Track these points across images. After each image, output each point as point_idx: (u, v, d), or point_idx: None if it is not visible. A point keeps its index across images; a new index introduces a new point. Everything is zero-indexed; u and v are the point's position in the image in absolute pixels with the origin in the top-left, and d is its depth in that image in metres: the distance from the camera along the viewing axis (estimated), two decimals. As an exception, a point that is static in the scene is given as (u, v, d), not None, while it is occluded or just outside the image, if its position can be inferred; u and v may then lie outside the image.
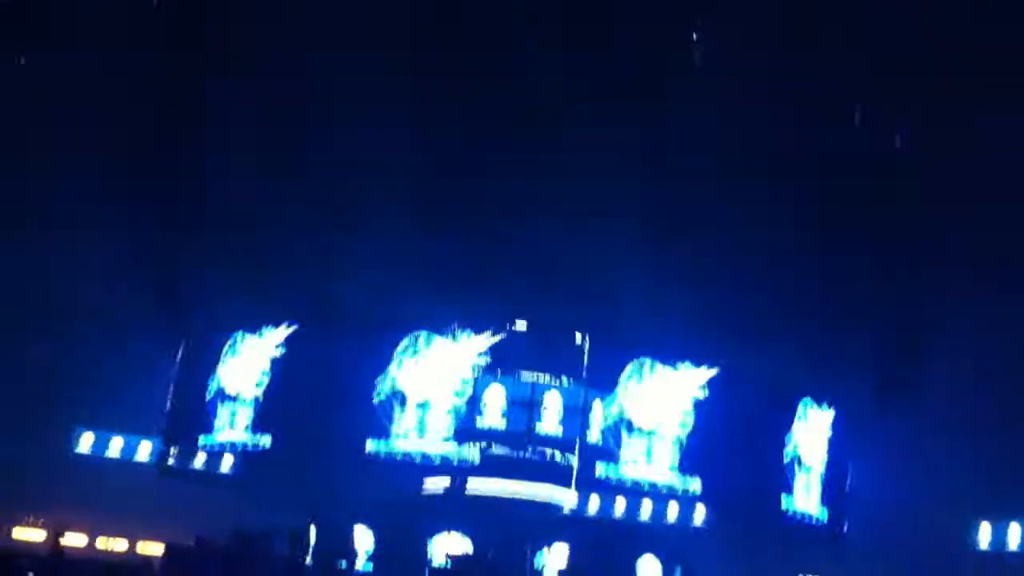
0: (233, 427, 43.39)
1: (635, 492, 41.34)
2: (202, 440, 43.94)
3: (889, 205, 41.23)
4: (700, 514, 41.37)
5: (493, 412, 40.35)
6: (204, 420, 43.99)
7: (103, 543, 45.73)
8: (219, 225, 41.65)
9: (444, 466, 40.53)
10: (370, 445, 40.55)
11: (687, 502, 41.54)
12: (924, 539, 43.32)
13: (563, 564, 36.08)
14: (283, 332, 43.06)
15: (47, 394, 44.01)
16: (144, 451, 46.78)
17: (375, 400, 40.90)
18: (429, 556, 36.51)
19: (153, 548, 42.34)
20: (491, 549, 35.21)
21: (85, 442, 46.24)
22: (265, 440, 42.46)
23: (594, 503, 41.52)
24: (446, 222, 40.11)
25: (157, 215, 41.60)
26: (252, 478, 42.87)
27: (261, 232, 41.68)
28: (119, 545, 45.94)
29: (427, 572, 35.17)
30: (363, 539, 39.07)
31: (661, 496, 41.37)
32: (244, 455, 42.97)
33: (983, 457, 42.47)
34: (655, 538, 41.58)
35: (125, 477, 44.62)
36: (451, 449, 40.26)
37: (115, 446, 46.67)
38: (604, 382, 41.27)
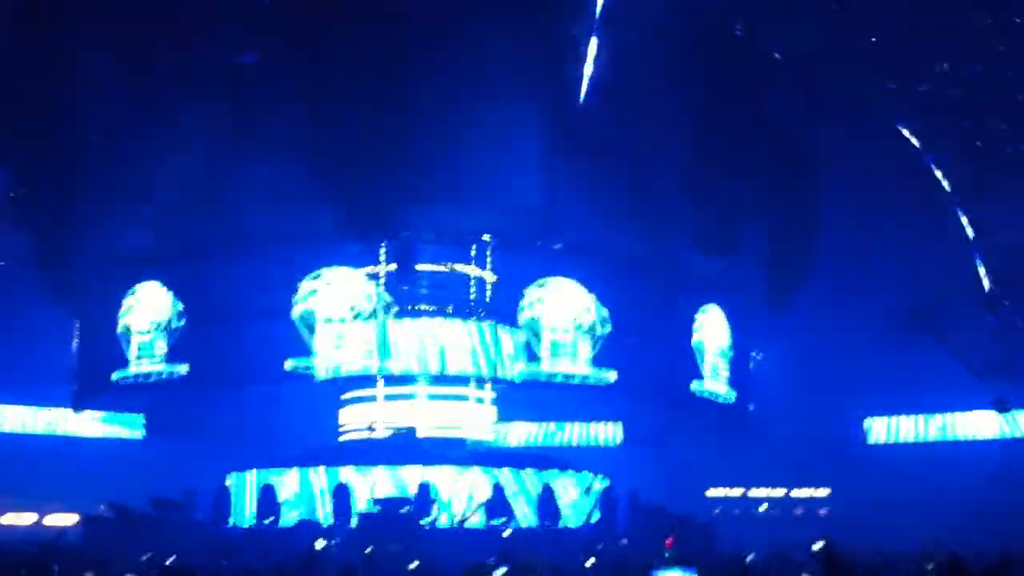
0: (148, 358, 42.89)
1: (557, 387, 42.43)
2: (116, 375, 43.32)
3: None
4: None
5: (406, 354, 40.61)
6: (116, 356, 43.34)
7: (10, 519, 44.15)
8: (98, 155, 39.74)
9: (363, 379, 41.16)
10: (288, 364, 40.59)
11: (603, 393, 43.08)
12: (819, 425, 46.77)
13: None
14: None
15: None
16: (42, 420, 46.33)
17: (293, 318, 40.93)
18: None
19: (63, 519, 41.72)
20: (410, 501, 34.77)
21: None
22: (182, 368, 42.21)
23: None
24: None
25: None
26: (168, 411, 42.90)
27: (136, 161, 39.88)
28: (27, 519, 44.36)
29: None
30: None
31: (581, 388, 42.58)
32: (160, 386, 42.67)
33: (872, 358, 45.34)
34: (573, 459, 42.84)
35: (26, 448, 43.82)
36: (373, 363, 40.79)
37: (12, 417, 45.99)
38: (506, 312, 41.84)
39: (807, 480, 49.82)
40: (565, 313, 42.40)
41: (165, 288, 43.06)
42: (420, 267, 40.74)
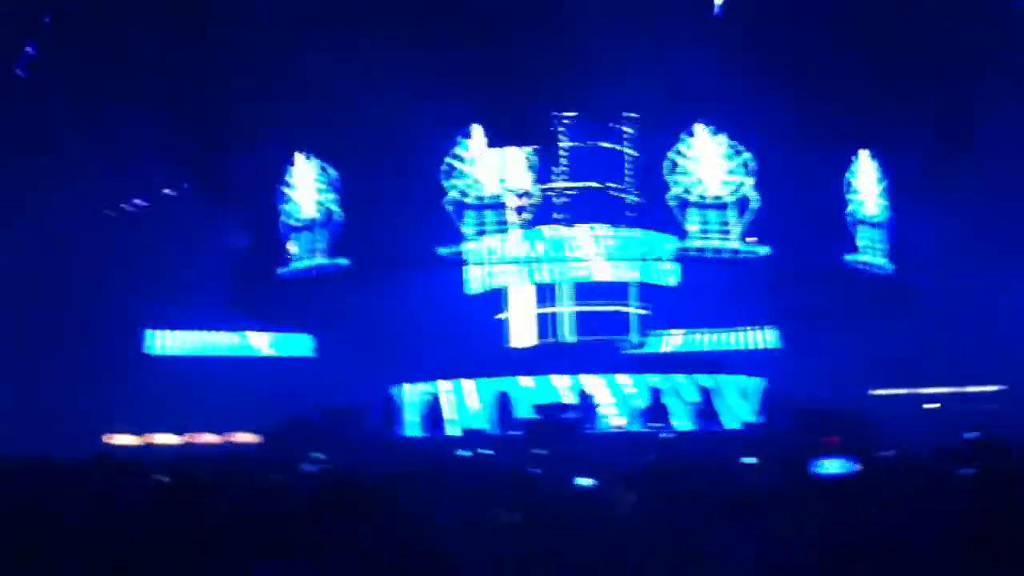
0: (310, 253, 44.97)
1: (709, 260, 42.52)
2: (281, 271, 45.59)
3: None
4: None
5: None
6: (280, 249, 45.60)
7: (195, 438, 45.21)
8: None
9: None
10: (442, 250, 42.29)
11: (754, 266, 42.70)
12: (975, 294, 43.91)
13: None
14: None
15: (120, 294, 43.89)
16: (221, 341, 47.97)
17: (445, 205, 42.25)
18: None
19: (245, 437, 42.94)
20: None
21: (158, 342, 46.84)
22: (342, 261, 44.15)
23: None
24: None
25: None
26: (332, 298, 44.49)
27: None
28: (212, 438, 45.45)
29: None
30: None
31: (734, 273, 42.43)
32: (322, 281, 44.50)
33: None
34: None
35: (201, 374, 45.23)
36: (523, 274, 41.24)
37: (183, 343, 47.66)
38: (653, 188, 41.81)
39: (974, 377, 47.64)
40: (713, 186, 42.28)
41: (321, 181, 44.93)
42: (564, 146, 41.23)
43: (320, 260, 44.78)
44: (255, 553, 7.69)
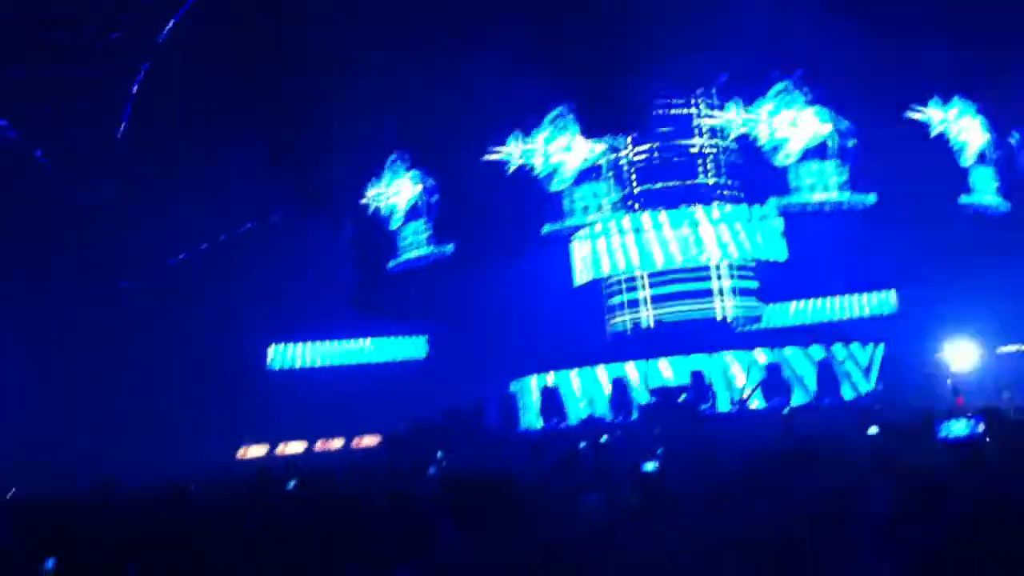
0: (415, 244, 46.03)
1: (815, 214, 42.04)
2: (391, 264, 46.68)
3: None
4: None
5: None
6: (389, 245, 46.75)
7: (321, 445, 45.30)
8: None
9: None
10: (546, 228, 42.88)
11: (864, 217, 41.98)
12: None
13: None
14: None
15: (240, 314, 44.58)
16: (333, 352, 48.46)
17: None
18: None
19: (368, 441, 43.36)
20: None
21: (277, 356, 47.64)
22: (447, 248, 45.07)
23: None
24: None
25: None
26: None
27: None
28: (336, 444, 45.48)
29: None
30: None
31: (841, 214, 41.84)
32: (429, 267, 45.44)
33: None
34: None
35: (323, 383, 45.74)
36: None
37: (302, 355, 48.20)
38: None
39: None
40: (809, 141, 41.92)
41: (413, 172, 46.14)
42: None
43: (427, 249, 45.62)
44: (394, 557, 8.03)
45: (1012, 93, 41.31)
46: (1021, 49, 38.95)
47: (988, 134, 44.33)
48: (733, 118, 42.08)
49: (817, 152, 42.14)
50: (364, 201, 47.76)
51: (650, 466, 10.83)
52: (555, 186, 43.00)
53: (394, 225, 47.04)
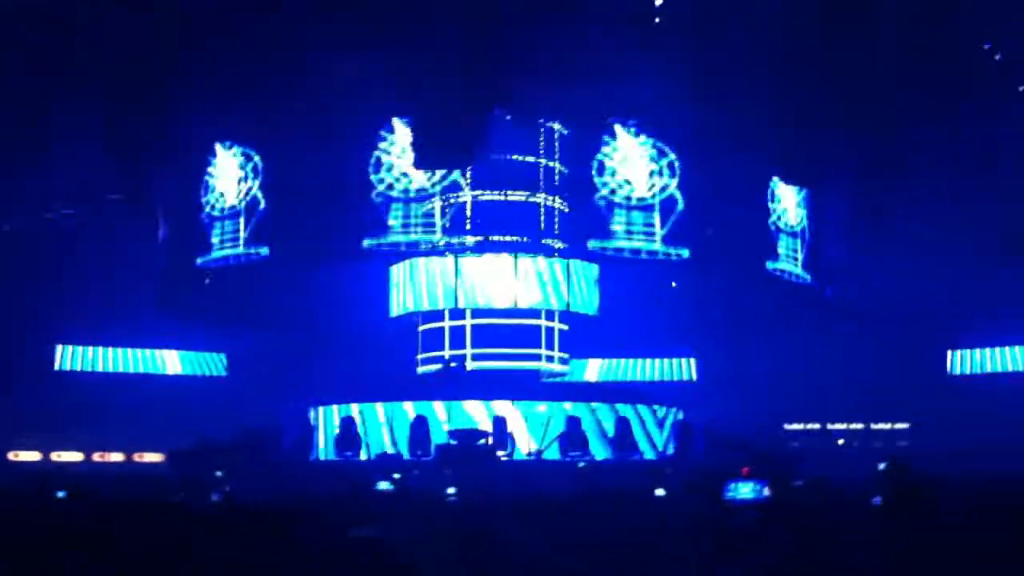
0: (230, 242, 44.24)
1: (629, 262, 42.95)
2: (200, 261, 44.80)
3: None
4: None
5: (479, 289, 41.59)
6: (200, 241, 44.95)
7: (99, 456, 43.35)
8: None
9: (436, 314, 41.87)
10: (367, 242, 42.26)
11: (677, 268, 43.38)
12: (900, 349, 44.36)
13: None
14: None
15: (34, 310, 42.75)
16: (130, 360, 46.38)
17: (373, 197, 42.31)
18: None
19: (151, 457, 41.98)
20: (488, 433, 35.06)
21: (66, 358, 45.57)
22: (263, 251, 43.57)
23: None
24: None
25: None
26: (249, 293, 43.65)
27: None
28: (117, 457, 43.67)
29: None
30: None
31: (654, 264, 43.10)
32: (241, 268, 43.87)
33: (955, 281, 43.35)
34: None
35: (111, 392, 43.60)
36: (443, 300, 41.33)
37: (93, 359, 46.16)
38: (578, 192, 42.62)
39: (886, 414, 47.72)
40: (637, 188, 43.07)
41: (243, 169, 44.48)
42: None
43: (240, 249, 44.00)
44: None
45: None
46: (837, 141, 41.42)
47: (803, 209, 46.59)
48: (563, 169, 42.70)
49: (641, 201, 43.18)
50: (187, 195, 45.69)
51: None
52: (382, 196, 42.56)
53: (213, 220, 45.12)
